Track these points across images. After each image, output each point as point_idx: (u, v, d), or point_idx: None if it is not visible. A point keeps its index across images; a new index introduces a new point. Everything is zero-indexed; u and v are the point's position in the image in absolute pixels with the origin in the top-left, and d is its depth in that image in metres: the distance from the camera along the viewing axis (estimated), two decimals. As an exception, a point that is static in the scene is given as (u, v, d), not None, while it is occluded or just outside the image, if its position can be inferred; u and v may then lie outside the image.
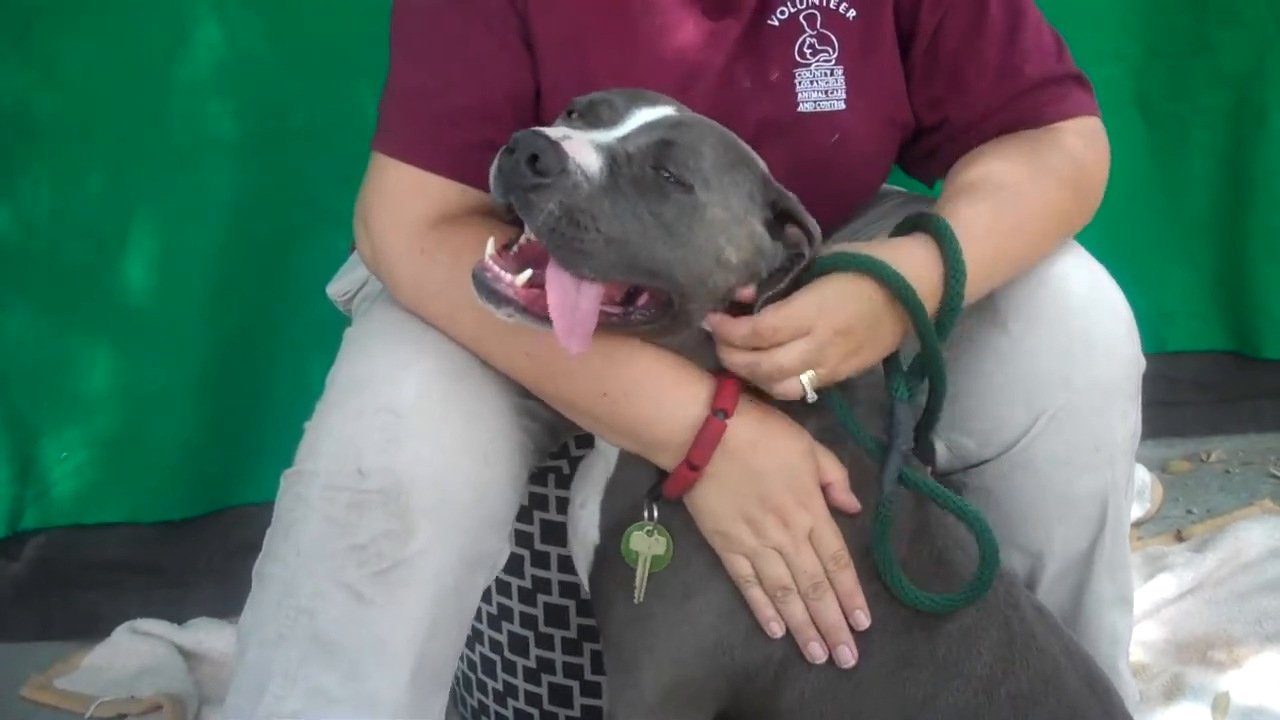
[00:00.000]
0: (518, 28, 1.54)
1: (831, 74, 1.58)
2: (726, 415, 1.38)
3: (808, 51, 1.58)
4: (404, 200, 1.51)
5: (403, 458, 1.38)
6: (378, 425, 1.39)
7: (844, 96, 1.58)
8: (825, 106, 1.58)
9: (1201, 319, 2.93)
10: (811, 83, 1.58)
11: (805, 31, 1.58)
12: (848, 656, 1.42)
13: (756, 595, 1.42)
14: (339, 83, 2.31)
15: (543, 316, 1.26)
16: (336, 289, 1.83)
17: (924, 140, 1.67)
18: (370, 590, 1.39)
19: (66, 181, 2.27)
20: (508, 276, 1.27)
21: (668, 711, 1.44)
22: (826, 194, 1.50)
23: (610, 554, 1.46)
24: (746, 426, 1.39)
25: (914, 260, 1.41)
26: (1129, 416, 1.58)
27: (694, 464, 1.38)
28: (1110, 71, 2.80)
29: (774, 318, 1.36)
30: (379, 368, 1.43)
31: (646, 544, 1.42)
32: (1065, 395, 1.52)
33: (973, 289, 1.43)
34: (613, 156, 1.27)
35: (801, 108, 1.58)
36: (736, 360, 1.38)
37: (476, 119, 1.52)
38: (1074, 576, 1.61)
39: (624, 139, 1.30)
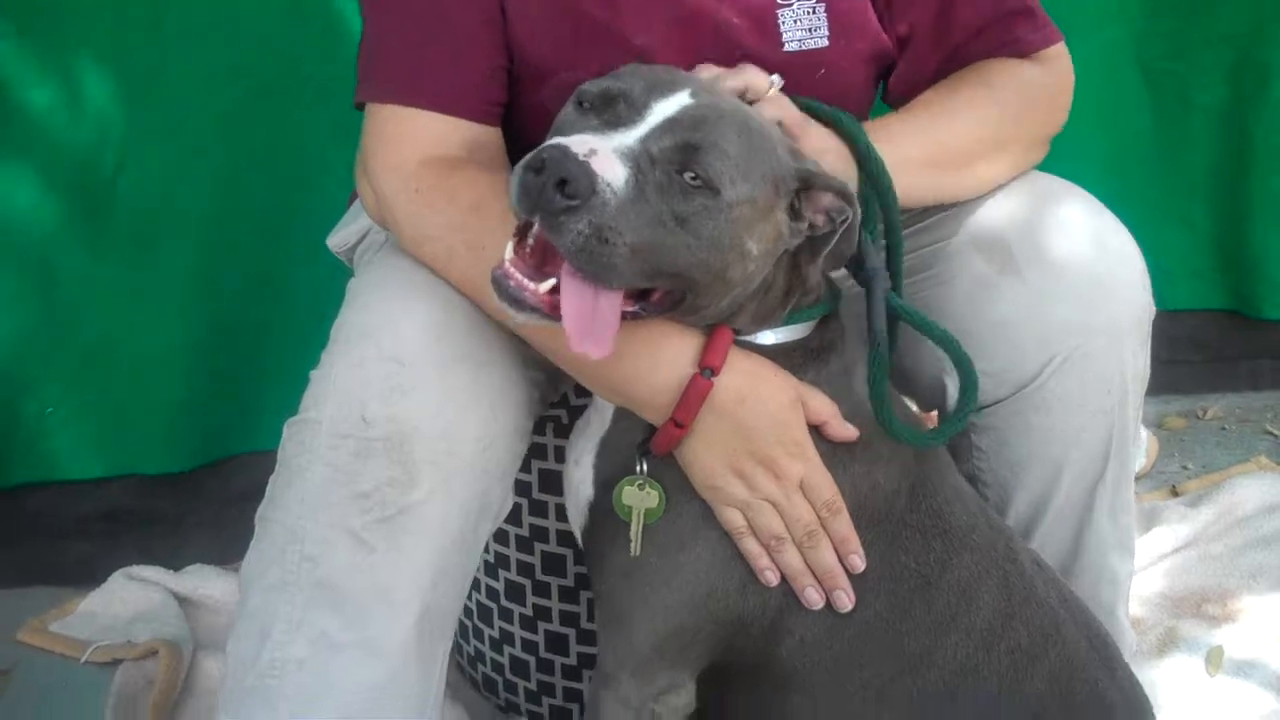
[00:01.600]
0: None
1: (813, 12, 1.58)
2: (714, 373, 1.37)
3: None
4: (397, 141, 1.51)
5: (407, 406, 1.38)
6: (382, 374, 1.39)
7: (826, 34, 1.58)
8: (809, 44, 1.58)
9: (1200, 278, 2.94)
10: (795, 22, 1.57)
11: None
12: (845, 601, 1.42)
13: (750, 546, 1.42)
14: (338, 34, 2.29)
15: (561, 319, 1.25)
16: (337, 240, 1.82)
17: (903, 72, 1.68)
18: (374, 537, 1.39)
19: (58, 133, 2.24)
20: (530, 285, 1.25)
21: (660, 662, 1.44)
22: None
23: (604, 509, 1.45)
24: (734, 381, 1.38)
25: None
26: (1139, 360, 1.59)
27: (679, 422, 1.38)
28: (1111, 33, 2.80)
29: None
30: (384, 317, 1.42)
31: (638, 498, 1.42)
32: (1080, 338, 1.52)
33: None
34: (637, 163, 1.24)
35: (787, 47, 1.57)
36: None
37: (453, 48, 1.52)
38: (1076, 517, 1.62)
39: (645, 139, 1.26)
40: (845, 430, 1.42)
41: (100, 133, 2.26)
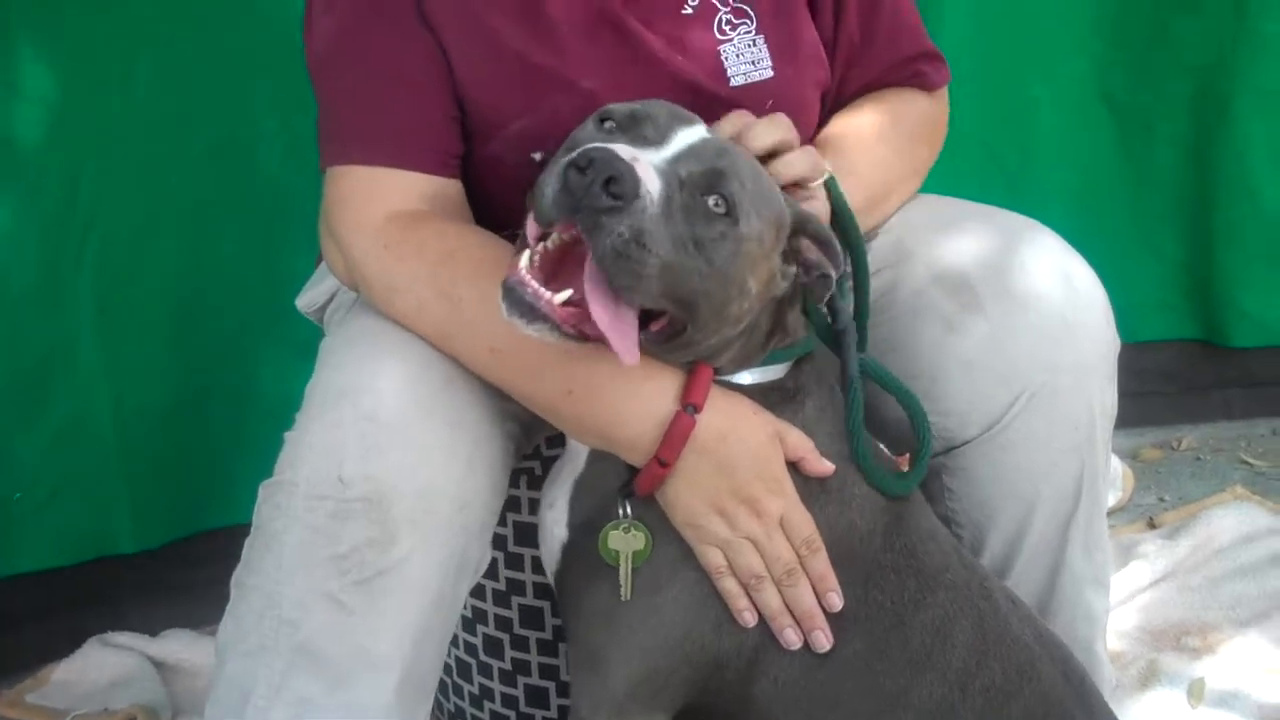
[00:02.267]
0: (414, 12, 1.53)
1: (754, 44, 1.60)
2: (697, 410, 1.37)
3: (727, 28, 1.60)
4: (358, 200, 1.51)
5: (384, 465, 1.37)
6: (358, 434, 1.38)
7: (770, 65, 1.60)
8: (755, 77, 1.60)
9: (1170, 309, 2.96)
10: (737, 56, 1.59)
11: (720, 10, 1.60)
12: (823, 641, 1.42)
13: (729, 586, 1.42)
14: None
15: (573, 335, 1.25)
16: (305, 301, 1.81)
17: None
18: (353, 599, 1.38)
19: (19, 197, 2.19)
20: (546, 294, 1.24)
21: (634, 706, 1.43)
22: None
23: (578, 551, 1.45)
24: (715, 419, 1.39)
25: None
26: (1106, 395, 1.60)
27: (663, 461, 1.38)
28: (1075, 66, 2.83)
29: None
30: (358, 376, 1.42)
31: (624, 541, 1.41)
32: (1045, 376, 1.54)
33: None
34: (667, 181, 1.26)
35: (733, 83, 1.59)
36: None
37: (404, 103, 1.53)
38: (1050, 556, 1.63)
39: (674, 162, 1.28)
40: (822, 465, 1.42)
41: (62, 191, 2.21)
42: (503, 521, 1.81)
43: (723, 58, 1.59)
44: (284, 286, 1.91)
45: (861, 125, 1.68)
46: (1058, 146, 2.86)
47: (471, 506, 1.44)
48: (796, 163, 1.46)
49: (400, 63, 1.53)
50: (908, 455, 1.67)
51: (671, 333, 1.33)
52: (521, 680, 1.91)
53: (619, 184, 1.19)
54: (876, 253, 1.66)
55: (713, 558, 1.41)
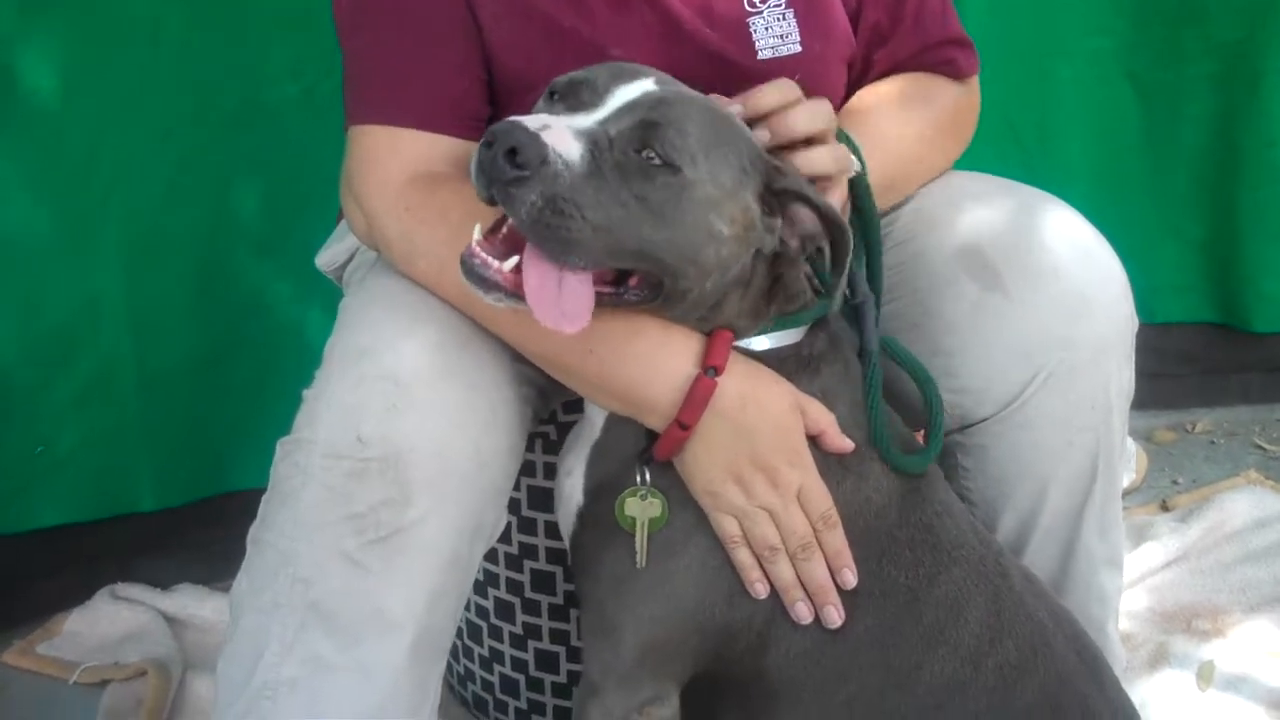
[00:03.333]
0: None
1: (783, 18, 1.59)
2: (717, 372, 1.37)
3: (757, 1, 1.59)
4: (381, 161, 1.51)
5: (403, 426, 1.38)
6: (378, 393, 1.38)
7: (798, 39, 1.59)
8: (783, 51, 1.59)
9: (1190, 291, 2.94)
10: (766, 29, 1.59)
11: None
12: (834, 617, 1.42)
13: (743, 557, 1.41)
14: (335, 48, 2.28)
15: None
16: (325, 259, 1.81)
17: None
18: (368, 559, 1.39)
19: (43, 156, 2.20)
20: (494, 263, 1.26)
21: (644, 673, 1.43)
22: None
23: (593, 516, 1.45)
24: (735, 384, 1.38)
25: None
26: (1124, 374, 1.60)
27: (684, 424, 1.37)
28: (1100, 44, 2.81)
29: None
30: (378, 336, 1.42)
31: (641, 508, 1.41)
32: (1062, 354, 1.53)
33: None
34: (594, 141, 1.25)
35: (761, 55, 1.58)
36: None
37: (431, 64, 1.53)
38: (1064, 535, 1.63)
39: (605, 122, 1.28)
40: (842, 442, 1.42)
41: (82, 154, 2.21)
42: (516, 486, 1.80)
43: (751, 30, 1.58)
44: (306, 248, 1.91)
45: (883, 105, 1.66)
46: (1080, 125, 2.84)
47: (488, 468, 1.44)
48: (820, 160, 1.44)
49: (428, 23, 1.53)
50: (924, 431, 1.67)
51: (649, 287, 1.33)
52: (532, 645, 1.92)
53: (522, 153, 1.20)
54: (896, 227, 1.66)
55: (728, 527, 1.41)
